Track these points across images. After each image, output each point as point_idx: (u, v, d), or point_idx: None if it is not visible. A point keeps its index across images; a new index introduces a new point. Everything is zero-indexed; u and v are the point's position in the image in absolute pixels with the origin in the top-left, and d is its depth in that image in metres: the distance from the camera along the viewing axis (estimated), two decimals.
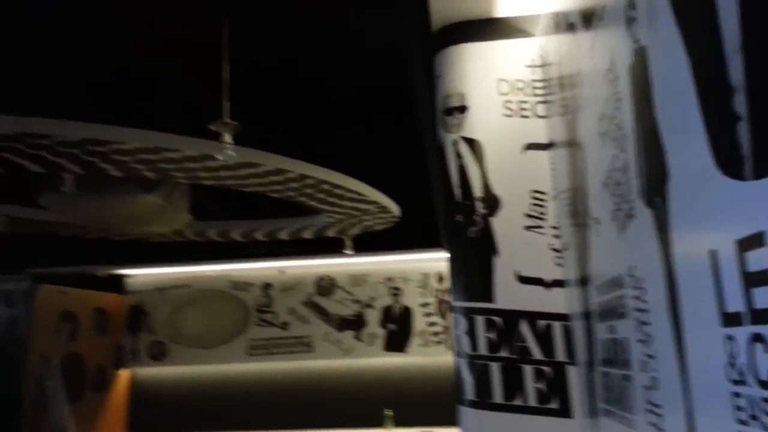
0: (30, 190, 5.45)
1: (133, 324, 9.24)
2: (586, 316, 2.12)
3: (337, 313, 8.90)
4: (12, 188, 5.77)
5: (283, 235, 7.22)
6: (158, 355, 9.15)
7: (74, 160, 4.50)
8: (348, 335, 8.83)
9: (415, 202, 6.19)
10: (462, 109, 2.90)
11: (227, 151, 2.65)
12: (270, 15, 3.89)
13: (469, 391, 2.62)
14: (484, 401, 2.55)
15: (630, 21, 1.36)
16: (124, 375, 9.15)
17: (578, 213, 2.18)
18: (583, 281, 2.13)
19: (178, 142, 4.27)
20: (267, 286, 9.08)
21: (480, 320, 2.62)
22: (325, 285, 9.00)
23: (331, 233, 7.27)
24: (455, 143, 2.89)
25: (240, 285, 9.13)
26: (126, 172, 4.81)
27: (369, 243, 7.72)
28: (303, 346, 8.92)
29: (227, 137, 2.69)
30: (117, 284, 9.25)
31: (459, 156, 2.87)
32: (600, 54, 1.68)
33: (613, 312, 1.69)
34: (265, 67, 4.42)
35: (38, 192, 5.31)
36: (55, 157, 4.42)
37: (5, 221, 5.86)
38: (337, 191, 5.50)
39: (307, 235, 7.23)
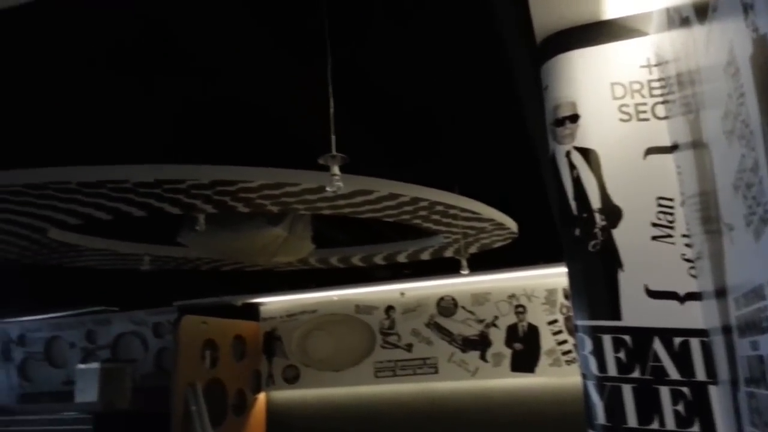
0: (170, 230, 5.98)
1: (269, 349, 9.74)
2: (726, 330, 1.93)
3: (461, 333, 8.81)
4: (154, 230, 6.37)
5: (402, 258, 7.31)
6: (291, 378, 9.56)
7: (207, 200, 4.90)
8: (473, 356, 8.69)
9: (536, 216, 6.02)
10: (573, 118, 2.80)
11: (336, 182, 2.76)
12: (369, 41, 4.02)
13: (600, 415, 2.47)
14: (617, 426, 2.39)
15: (747, 9, 1.25)
16: (261, 398, 9.65)
17: (710, 219, 2.01)
18: (720, 293, 1.95)
19: (297, 177, 4.51)
20: (389, 309, 9.21)
21: (607, 339, 2.48)
22: (447, 305, 8.95)
23: (449, 253, 7.26)
24: (568, 154, 2.79)
25: (364, 308, 9.34)
26: (253, 208, 5.15)
27: (489, 260, 7.61)
28: (428, 367, 8.90)
29: (335, 169, 2.80)
30: (253, 312, 9.82)
31: (573, 167, 2.76)
32: (718, 47, 1.55)
33: (755, 326, 1.53)
34: (368, 94, 4.55)
35: (177, 231, 5.82)
36: (190, 198, 4.84)
37: (150, 260, 6.47)
38: (452, 212, 5.50)
39: (425, 256, 7.27)
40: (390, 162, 5.49)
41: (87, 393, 8.89)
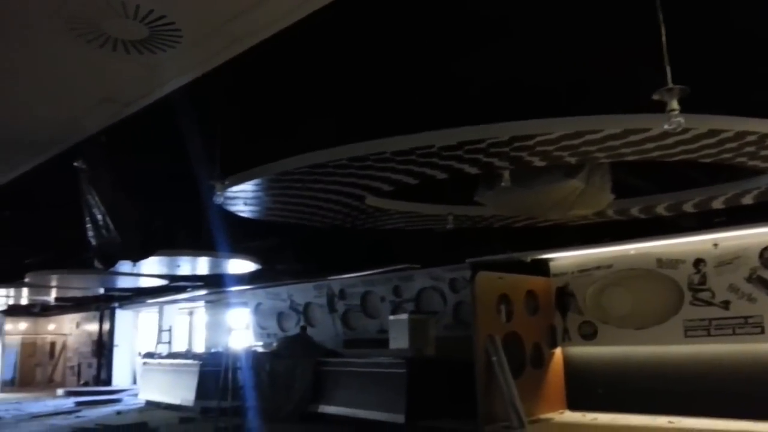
0: (466, 190, 6.24)
1: (562, 305, 9.65)
2: None
3: None
4: (452, 190, 6.72)
5: (717, 204, 6.47)
6: (588, 335, 9.32)
7: (504, 157, 4.97)
8: None
9: None
10: None
11: (675, 118, 2.49)
12: None
13: None
14: None
15: None
16: (557, 353, 9.63)
17: None
18: None
19: (601, 122, 4.27)
20: (699, 262, 8.28)
21: None
22: None
23: None
24: None
25: (667, 262, 8.57)
26: (550, 161, 5.07)
27: None
28: (750, 327, 7.81)
29: (673, 103, 2.53)
30: (543, 268, 9.81)
31: None
32: None
33: None
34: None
35: (474, 191, 6.05)
36: (488, 157, 4.97)
37: (452, 220, 6.86)
38: None
39: (747, 200, 6.32)
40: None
41: (399, 341, 9.96)
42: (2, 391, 19.41)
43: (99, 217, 4.84)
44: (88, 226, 4.96)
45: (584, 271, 9.42)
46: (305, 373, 10.81)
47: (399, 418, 8.71)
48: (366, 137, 4.93)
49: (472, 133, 4.54)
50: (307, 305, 13.58)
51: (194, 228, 8.24)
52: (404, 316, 10.12)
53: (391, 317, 10.59)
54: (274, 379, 11.08)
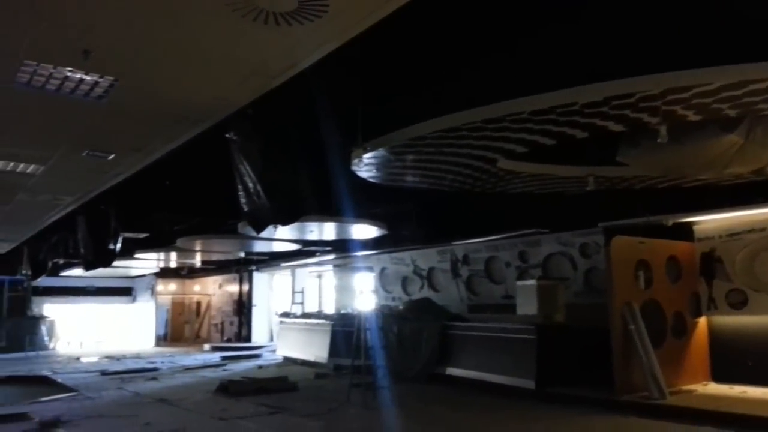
0: (605, 149, 5.92)
1: (707, 271, 8.98)
2: None
3: None
4: (589, 150, 6.41)
5: None
6: (737, 303, 8.63)
7: (654, 112, 4.65)
8: None
9: None
10: None
11: None
12: None
13: None
14: None
15: None
16: (702, 323, 9.03)
17: None
18: None
19: None
20: None
21: None
22: None
23: None
24: None
25: None
26: (705, 115, 4.68)
27: None
28: None
29: None
30: (685, 232, 9.16)
31: None
32: None
33: None
34: None
35: (614, 150, 5.72)
36: (636, 113, 4.67)
37: (593, 181, 6.56)
38: None
39: None
40: None
41: (527, 307, 9.82)
42: (157, 345, 21.69)
43: (250, 185, 5.16)
44: (240, 193, 5.32)
45: (734, 234, 8.68)
46: (431, 336, 11.02)
47: (529, 384, 8.65)
48: (496, 99, 4.82)
49: (620, 87, 4.28)
50: (431, 270, 13.74)
51: (324, 195, 8.58)
52: (532, 282, 9.94)
53: (519, 283, 10.45)
54: (401, 341, 11.41)
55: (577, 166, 6.58)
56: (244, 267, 19.67)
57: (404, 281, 14.43)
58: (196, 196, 9.74)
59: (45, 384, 12.23)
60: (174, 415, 8.24)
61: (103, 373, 13.44)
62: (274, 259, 17.44)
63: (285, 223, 5.88)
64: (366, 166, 6.12)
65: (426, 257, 13.76)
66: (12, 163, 6.13)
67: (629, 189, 7.61)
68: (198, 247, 13.71)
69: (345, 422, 7.78)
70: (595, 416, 7.33)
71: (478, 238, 12.07)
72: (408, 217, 11.33)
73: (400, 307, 12.82)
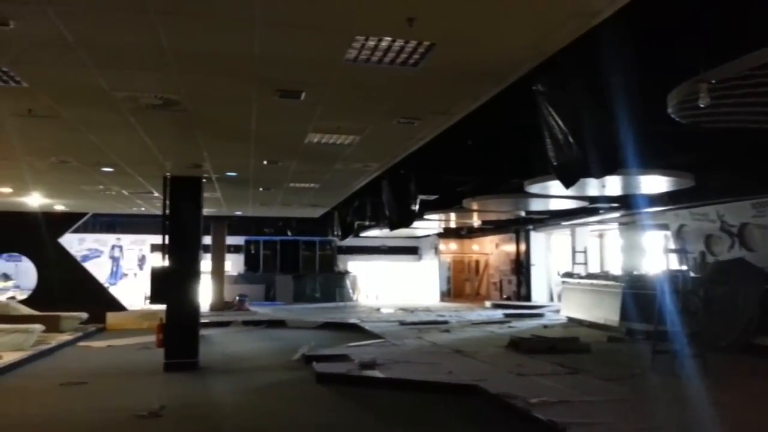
0: None
1: None
2: None
3: None
4: None
5: None
6: None
7: None
8: None
9: None
10: None
11: None
12: None
13: None
14: None
15: None
16: None
17: None
18: None
19: None
20: None
21: None
22: None
23: None
24: None
25: None
26: None
27: None
28: None
29: None
30: None
31: None
32: None
33: None
34: None
35: None
36: None
37: None
38: None
39: None
40: None
41: None
42: (441, 300, 23.20)
43: (560, 137, 4.98)
44: (549, 147, 5.18)
45: None
46: (749, 301, 9.63)
47: None
48: None
49: None
50: (743, 226, 11.88)
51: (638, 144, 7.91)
52: None
53: None
54: (710, 306, 10.21)
55: None
56: (521, 227, 19.68)
57: (708, 239, 12.78)
58: (482, 156, 9.91)
59: (355, 330, 14.03)
60: (472, 366, 8.67)
61: (402, 323, 14.86)
62: (553, 218, 17.04)
63: (599, 175, 5.55)
64: (692, 107, 5.30)
65: (737, 211, 11.93)
66: (335, 136, 6.92)
67: None
68: (485, 207, 14.03)
69: (653, 390, 7.27)
70: None
71: None
72: (717, 166, 9.90)
73: (706, 269, 11.44)
